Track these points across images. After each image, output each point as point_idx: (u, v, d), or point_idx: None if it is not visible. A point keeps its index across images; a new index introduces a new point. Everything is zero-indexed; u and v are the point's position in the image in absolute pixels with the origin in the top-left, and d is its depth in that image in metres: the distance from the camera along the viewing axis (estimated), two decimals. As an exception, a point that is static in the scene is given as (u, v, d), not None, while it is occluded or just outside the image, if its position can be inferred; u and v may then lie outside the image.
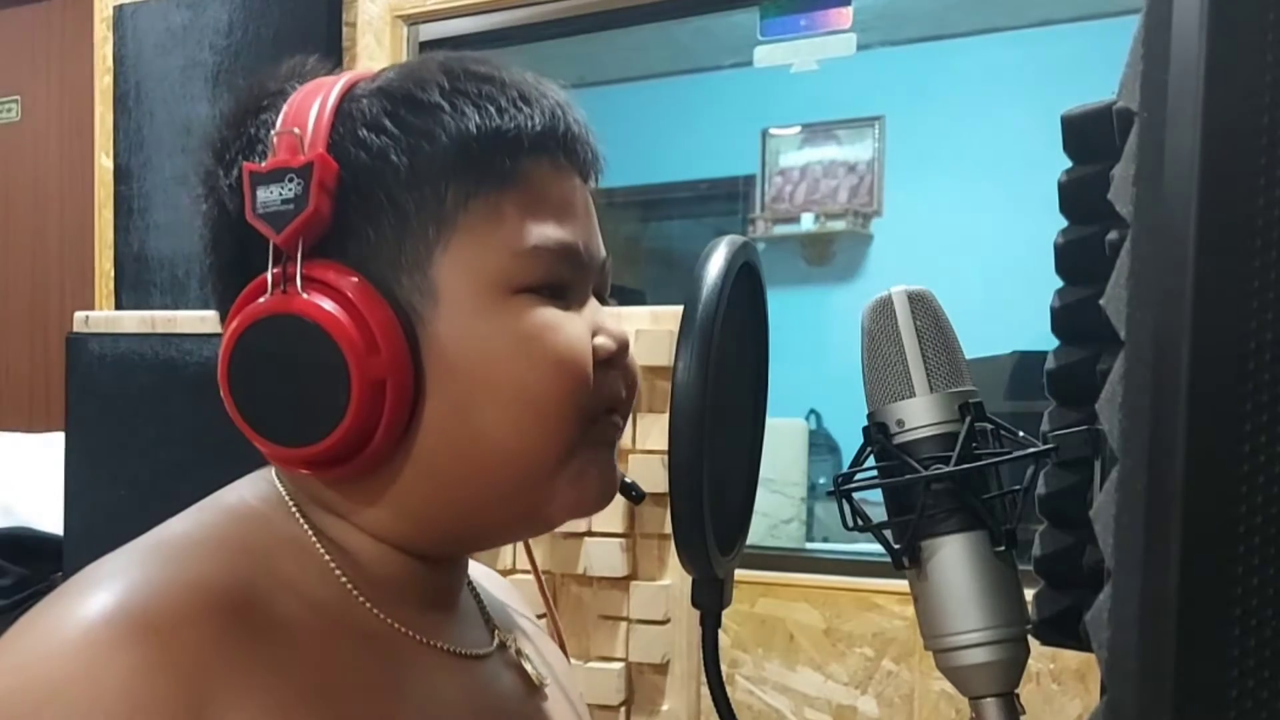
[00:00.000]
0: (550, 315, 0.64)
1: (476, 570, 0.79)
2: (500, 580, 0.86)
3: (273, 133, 0.62)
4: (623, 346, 0.67)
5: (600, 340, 0.66)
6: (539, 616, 0.87)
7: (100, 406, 1.53)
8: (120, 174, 2.89)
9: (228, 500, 0.67)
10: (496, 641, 0.74)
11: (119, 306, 2.87)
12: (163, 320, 1.53)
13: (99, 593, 0.56)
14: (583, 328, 0.65)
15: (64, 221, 3.14)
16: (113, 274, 2.90)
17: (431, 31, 2.67)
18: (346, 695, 0.61)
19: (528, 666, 0.75)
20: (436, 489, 0.64)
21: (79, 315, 1.57)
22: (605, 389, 0.66)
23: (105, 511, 1.50)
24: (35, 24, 3.21)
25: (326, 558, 0.65)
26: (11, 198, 3.24)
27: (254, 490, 0.68)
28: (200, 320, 1.50)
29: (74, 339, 1.55)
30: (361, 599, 0.65)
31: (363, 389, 0.60)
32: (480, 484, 0.64)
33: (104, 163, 2.93)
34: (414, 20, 2.65)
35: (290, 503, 0.66)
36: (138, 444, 1.50)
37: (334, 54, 2.63)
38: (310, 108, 0.63)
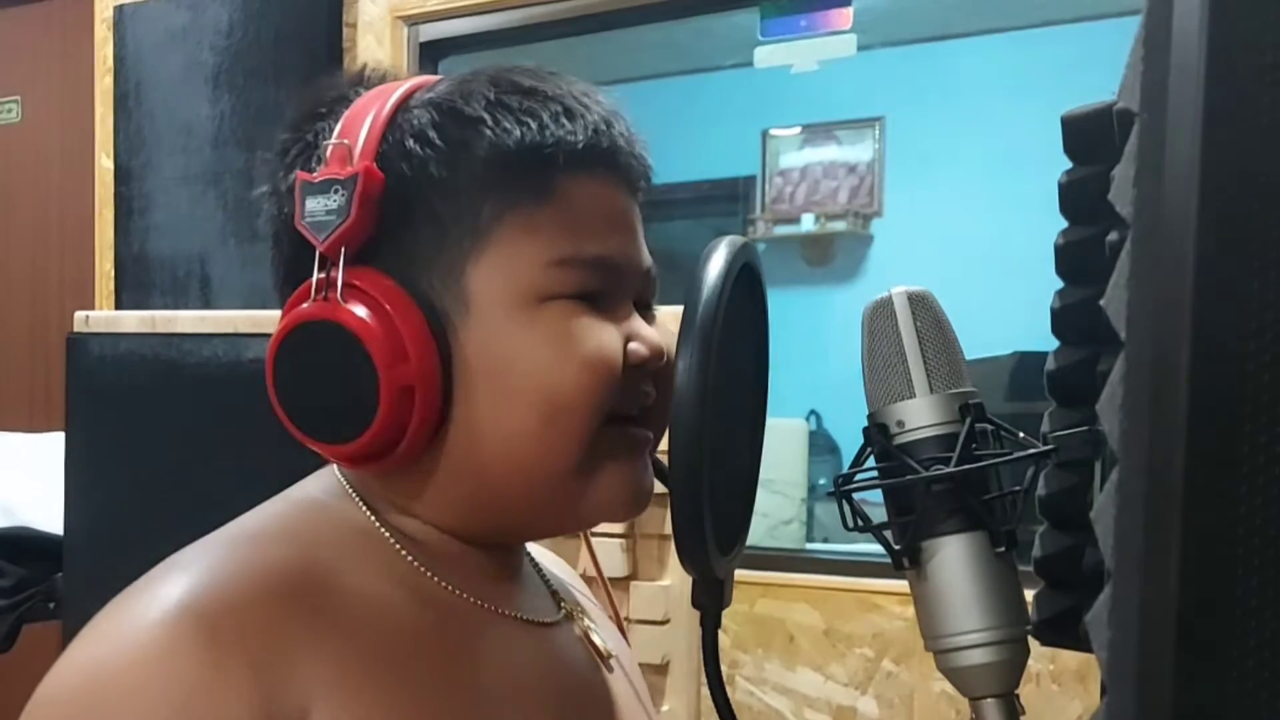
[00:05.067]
0: (582, 319, 0.65)
1: (533, 547, 0.81)
2: (557, 558, 0.87)
3: (327, 141, 0.65)
4: (656, 353, 0.68)
5: (634, 346, 0.67)
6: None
7: (100, 406, 1.53)
8: (120, 174, 2.89)
9: (294, 495, 0.71)
10: (563, 612, 0.76)
11: (119, 307, 2.87)
12: (163, 320, 1.53)
13: (175, 583, 0.60)
14: (615, 332, 0.66)
15: (64, 222, 3.14)
16: (113, 274, 2.91)
17: (432, 32, 2.67)
18: (423, 661, 0.64)
19: (596, 639, 0.77)
20: (469, 485, 0.66)
21: (79, 315, 1.57)
22: (632, 392, 0.67)
23: (105, 511, 1.50)
24: (36, 24, 3.21)
25: (392, 540, 0.68)
26: (12, 198, 3.24)
27: (319, 484, 0.71)
28: (200, 320, 1.50)
29: (74, 339, 1.55)
30: (430, 574, 0.67)
31: (390, 395, 0.62)
32: (508, 483, 0.66)
33: (104, 163, 2.93)
34: (414, 20, 2.65)
35: (353, 494, 0.69)
36: (138, 444, 1.50)
37: (334, 54, 2.64)
38: (365, 118, 0.65)
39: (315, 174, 0.64)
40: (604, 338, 0.65)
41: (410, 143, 0.64)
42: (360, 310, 0.63)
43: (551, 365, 0.64)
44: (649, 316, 0.71)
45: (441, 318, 0.64)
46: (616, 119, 0.68)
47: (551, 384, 0.64)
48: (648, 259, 0.71)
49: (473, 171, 0.64)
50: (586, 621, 0.78)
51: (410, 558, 0.67)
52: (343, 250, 0.63)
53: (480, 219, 0.64)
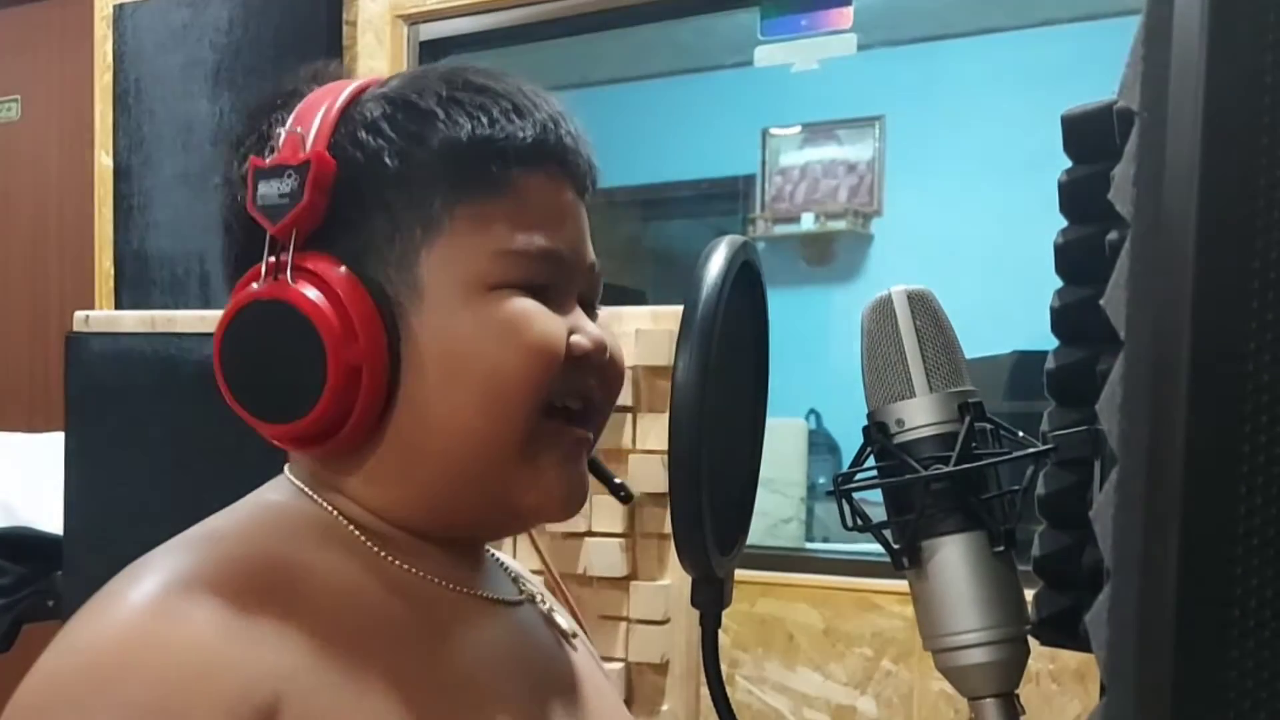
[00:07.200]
0: (527, 305, 0.67)
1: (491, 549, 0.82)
2: (513, 560, 0.88)
3: (280, 130, 0.67)
4: (598, 347, 0.69)
5: (576, 339, 0.68)
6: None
7: (100, 406, 1.53)
8: (120, 172, 2.88)
9: (251, 500, 0.71)
10: (525, 594, 0.78)
11: (119, 305, 2.87)
12: (163, 319, 1.52)
13: (144, 581, 0.61)
14: (559, 321, 0.68)
15: (64, 220, 3.13)
16: (113, 273, 2.90)
17: (431, 31, 2.66)
18: (393, 642, 0.65)
19: (558, 618, 0.79)
20: (412, 469, 0.68)
21: (79, 314, 1.57)
22: (574, 384, 0.69)
23: (105, 511, 1.50)
24: (35, 23, 3.21)
25: (352, 529, 0.68)
26: (11, 196, 3.24)
27: (274, 489, 0.72)
28: (200, 319, 1.50)
29: (74, 338, 1.55)
30: (389, 557, 0.68)
31: (338, 373, 0.64)
32: (448, 468, 0.67)
33: (104, 161, 2.93)
34: (414, 20, 2.65)
35: (310, 493, 0.70)
36: (138, 443, 1.50)
37: (334, 53, 2.63)
38: (319, 109, 0.67)
39: (268, 160, 0.66)
40: (548, 326, 0.67)
41: (363, 133, 0.66)
42: (310, 291, 0.64)
43: (496, 350, 0.66)
44: (592, 315, 0.72)
45: (394, 304, 0.66)
46: (564, 119, 0.70)
47: (495, 368, 0.66)
48: (592, 255, 0.72)
49: (425, 163, 0.66)
50: (547, 605, 0.80)
51: (373, 545, 0.68)
52: (294, 233, 0.65)
53: (432, 209, 0.66)
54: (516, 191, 0.67)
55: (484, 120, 0.67)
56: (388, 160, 0.66)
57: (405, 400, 0.66)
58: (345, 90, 0.68)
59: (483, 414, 0.66)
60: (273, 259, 0.65)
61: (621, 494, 0.79)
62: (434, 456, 0.67)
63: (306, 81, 0.71)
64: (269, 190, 0.65)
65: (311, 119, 0.66)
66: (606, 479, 0.77)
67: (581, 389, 0.69)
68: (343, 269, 0.65)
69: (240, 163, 0.68)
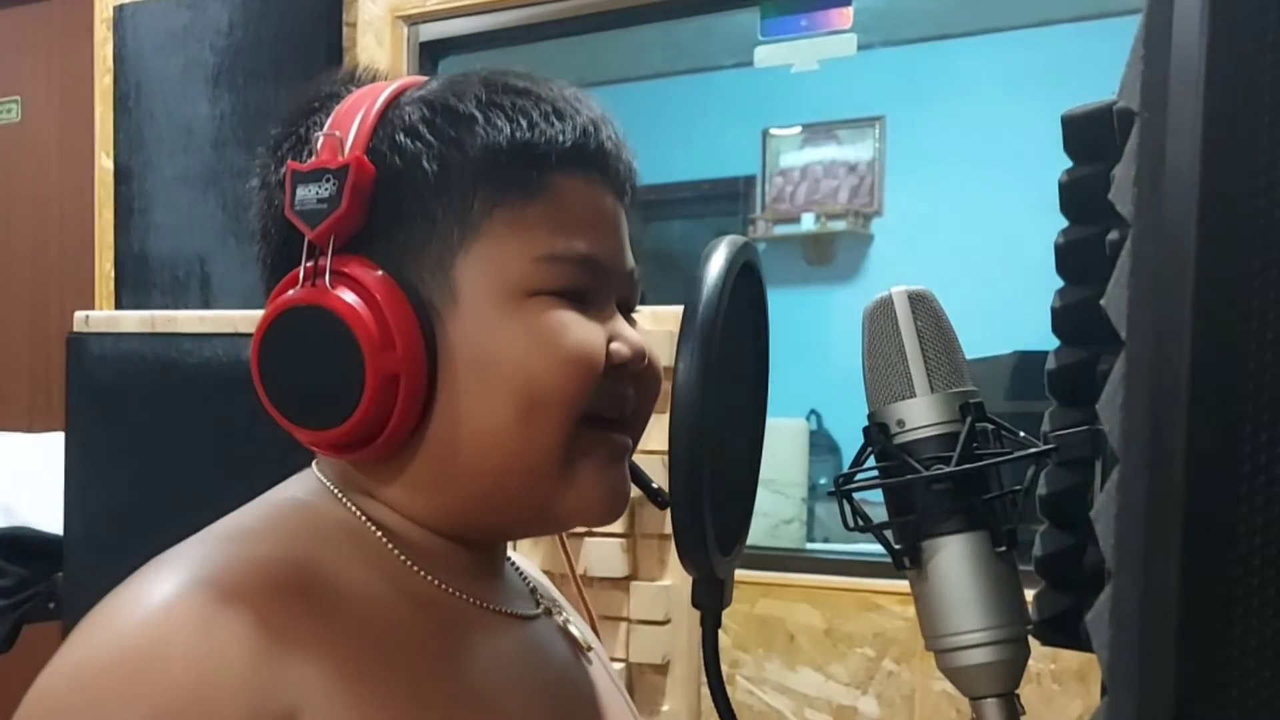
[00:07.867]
0: (566, 316, 0.66)
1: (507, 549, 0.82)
2: (525, 558, 0.88)
3: (318, 134, 0.66)
4: (637, 355, 0.69)
5: (616, 346, 0.68)
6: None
7: (100, 406, 1.53)
8: (120, 174, 2.88)
9: (276, 497, 0.71)
10: (542, 608, 0.78)
11: (119, 306, 2.87)
12: (163, 320, 1.52)
13: (165, 578, 0.60)
14: (598, 330, 0.67)
15: (64, 222, 3.13)
16: (113, 274, 2.90)
17: (432, 31, 2.67)
18: (413, 654, 0.64)
19: (574, 631, 0.79)
20: (449, 478, 0.67)
21: (79, 315, 1.57)
22: (613, 393, 0.68)
23: (105, 511, 1.50)
24: (35, 24, 3.21)
25: (378, 534, 0.68)
26: (12, 198, 3.24)
27: (301, 486, 0.71)
28: (200, 320, 1.50)
29: (74, 339, 1.55)
30: (414, 567, 0.68)
31: (376, 381, 0.63)
32: (486, 477, 0.67)
33: (104, 163, 2.93)
34: (414, 20, 2.65)
35: (336, 492, 0.70)
36: (138, 444, 1.50)
37: (334, 55, 2.64)
38: (357, 112, 0.66)
39: (306, 164, 0.65)
40: (587, 335, 0.66)
41: (401, 137, 0.66)
42: (349, 297, 0.63)
43: (534, 359, 0.65)
44: (630, 320, 0.71)
45: (429, 309, 0.65)
46: (604, 123, 0.70)
47: (532, 378, 0.65)
48: (631, 261, 0.71)
49: (464, 167, 0.65)
50: (564, 616, 0.80)
51: (396, 552, 0.68)
52: (332, 238, 0.64)
53: (469, 213, 0.65)
54: (556, 196, 0.67)
55: (524, 123, 0.66)
56: (426, 164, 0.65)
57: (442, 408, 0.65)
58: (383, 93, 0.67)
59: (519, 425, 0.65)
60: (310, 264, 0.65)
61: (659, 499, 0.79)
62: (470, 465, 0.66)
63: (344, 84, 0.70)
64: (307, 194, 0.64)
65: (350, 123, 0.66)
66: (644, 485, 0.77)
67: (619, 397, 0.69)
68: (380, 273, 0.64)
69: (277, 166, 0.68)
